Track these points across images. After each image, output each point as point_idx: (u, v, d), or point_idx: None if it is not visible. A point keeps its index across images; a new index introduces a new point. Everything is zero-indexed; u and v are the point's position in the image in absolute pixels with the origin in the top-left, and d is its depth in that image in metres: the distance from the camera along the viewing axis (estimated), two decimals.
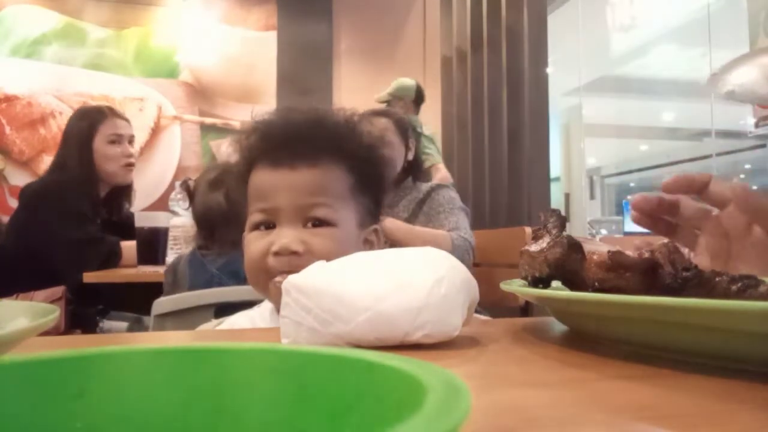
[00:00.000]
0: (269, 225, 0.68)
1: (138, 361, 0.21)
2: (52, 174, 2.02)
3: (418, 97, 2.84)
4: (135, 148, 2.09)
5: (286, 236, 0.66)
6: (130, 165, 2.03)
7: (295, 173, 0.68)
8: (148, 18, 3.46)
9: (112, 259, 1.84)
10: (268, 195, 0.68)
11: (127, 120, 2.08)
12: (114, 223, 1.99)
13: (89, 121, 1.99)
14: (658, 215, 0.54)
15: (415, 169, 1.90)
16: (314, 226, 0.68)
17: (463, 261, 1.64)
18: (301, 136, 0.69)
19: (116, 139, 1.99)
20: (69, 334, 1.49)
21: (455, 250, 1.62)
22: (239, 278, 1.24)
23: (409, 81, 2.75)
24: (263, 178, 0.69)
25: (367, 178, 0.73)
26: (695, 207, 0.54)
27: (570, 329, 0.46)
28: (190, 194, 1.43)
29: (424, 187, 1.87)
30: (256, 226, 0.69)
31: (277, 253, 0.65)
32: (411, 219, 1.78)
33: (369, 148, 0.74)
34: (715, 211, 0.52)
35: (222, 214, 1.33)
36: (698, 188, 0.53)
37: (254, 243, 0.68)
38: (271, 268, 0.66)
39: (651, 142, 8.32)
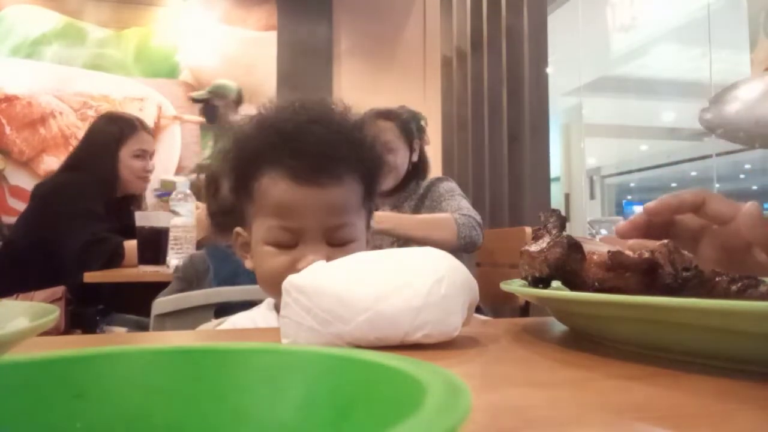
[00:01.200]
0: (291, 243, 0.67)
1: (138, 361, 0.21)
2: (66, 173, 2.02)
3: (239, 99, 2.77)
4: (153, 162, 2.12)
5: (314, 254, 0.64)
6: (147, 179, 2.07)
7: (323, 192, 0.66)
8: (148, 18, 3.45)
9: (115, 258, 1.84)
10: (294, 215, 0.66)
11: (152, 135, 2.12)
12: (123, 227, 2.00)
13: (119, 129, 2.02)
14: (649, 237, 0.50)
15: (420, 170, 1.87)
16: (338, 244, 0.67)
17: (471, 238, 1.63)
18: (325, 151, 0.67)
19: (141, 155, 2.04)
20: (69, 334, 1.49)
21: (461, 228, 1.60)
22: None
23: (231, 83, 2.70)
24: (287, 193, 0.66)
25: (372, 183, 0.73)
26: (694, 220, 0.50)
27: (570, 329, 0.46)
28: (216, 183, 1.43)
29: (424, 183, 1.85)
30: (275, 244, 0.67)
31: None
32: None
33: (374, 153, 0.74)
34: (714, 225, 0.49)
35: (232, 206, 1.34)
36: (689, 209, 0.48)
37: (274, 258, 0.67)
38: None
39: (651, 142, 8.32)
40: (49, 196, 1.95)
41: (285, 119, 0.70)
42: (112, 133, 2.00)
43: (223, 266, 1.32)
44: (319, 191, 0.66)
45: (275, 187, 0.67)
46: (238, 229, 0.76)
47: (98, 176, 1.96)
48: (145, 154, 2.05)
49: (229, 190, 0.74)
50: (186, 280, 1.35)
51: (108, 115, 2.20)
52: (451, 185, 1.83)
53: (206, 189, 1.49)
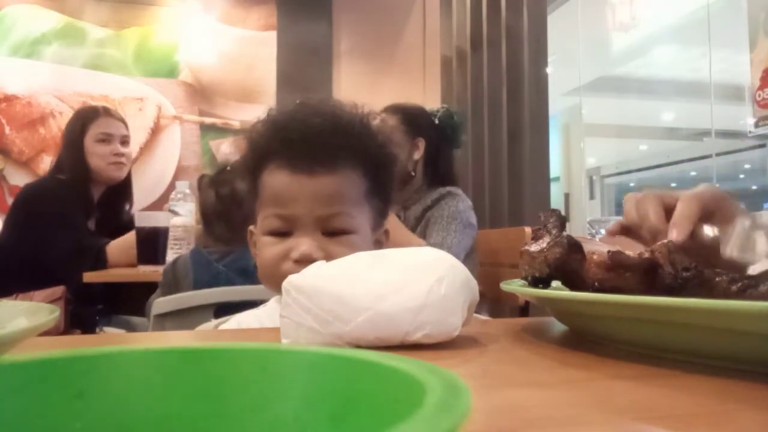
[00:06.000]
0: (285, 231, 0.68)
1: (138, 361, 0.21)
2: (48, 176, 2.02)
3: None
4: (130, 149, 2.07)
5: (305, 244, 0.66)
6: (119, 163, 1.99)
7: (315, 181, 0.67)
8: (148, 18, 3.45)
9: (98, 266, 1.81)
10: (287, 202, 0.68)
11: (122, 120, 2.06)
12: (110, 224, 1.98)
13: (82, 120, 1.99)
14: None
15: (432, 173, 1.73)
16: (333, 234, 0.68)
17: None
18: (320, 141, 0.68)
19: (105, 138, 1.97)
20: (69, 334, 1.49)
21: None
22: (247, 275, 1.24)
23: None
24: (280, 182, 0.68)
25: (380, 180, 0.73)
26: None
27: (570, 329, 0.46)
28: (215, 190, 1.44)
29: (435, 194, 1.68)
30: (271, 232, 0.69)
31: (297, 261, 0.65)
32: (416, 226, 1.66)
33: (382, 149, 0.74)
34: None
35: (221, 212, 1.35)
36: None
37: (269, 248, 0.68)
38: (289, 273, 0.66)
39: (651, 142, 8.32)
40: (27, 198, 1.93)
41: (284, 113, 0.73)
42: (76, 127, 1.98)
43: (202, 272, 1.31)
44: (310, 180, 0.67)
45: (272, 178, 0.69)
46: (251, 227, 0.77)
47: (73, 174, 1.94)
48: (111, 138, 1.98)
49: (247, 192, 0.76)
50: (165, 286, 1.34)
51: (75, 111, 2.16)
52: (459, 206, 1.64)
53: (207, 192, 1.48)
